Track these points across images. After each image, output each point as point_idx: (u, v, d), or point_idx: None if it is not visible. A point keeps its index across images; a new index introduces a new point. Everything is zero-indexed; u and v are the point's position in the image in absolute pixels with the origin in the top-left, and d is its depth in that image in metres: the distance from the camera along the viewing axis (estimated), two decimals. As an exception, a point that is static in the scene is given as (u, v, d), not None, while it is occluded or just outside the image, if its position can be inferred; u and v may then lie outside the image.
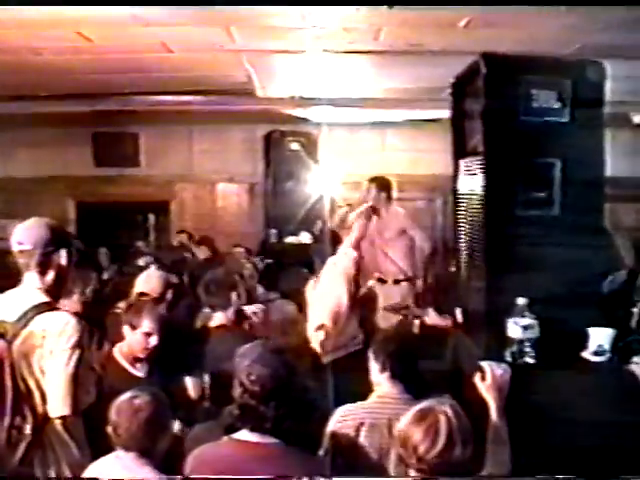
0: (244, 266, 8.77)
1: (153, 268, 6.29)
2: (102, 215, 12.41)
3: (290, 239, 11.19)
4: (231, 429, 3.87)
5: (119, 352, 5.25)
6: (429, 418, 3.62)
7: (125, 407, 3.96)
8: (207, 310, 6.17)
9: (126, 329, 5.21)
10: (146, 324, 5.15)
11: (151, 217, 13.59)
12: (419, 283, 9.04)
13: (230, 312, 6.02)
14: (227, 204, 12.60)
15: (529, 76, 4.61)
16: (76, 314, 4.25)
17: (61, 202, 12.35)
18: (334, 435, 4.39)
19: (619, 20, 5.70)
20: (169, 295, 5.94)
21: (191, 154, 12.52)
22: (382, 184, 9.23)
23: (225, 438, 3.86)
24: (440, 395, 4.30)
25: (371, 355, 4.66)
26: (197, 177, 12.61)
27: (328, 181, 10.97)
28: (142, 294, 5.91)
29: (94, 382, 4.36)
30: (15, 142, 12.00)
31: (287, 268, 8.84)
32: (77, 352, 4.05)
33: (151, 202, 12.89)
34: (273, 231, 11.34)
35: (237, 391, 3.79)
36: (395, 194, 10.12)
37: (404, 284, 9.07)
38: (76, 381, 4.04)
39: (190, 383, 5.42)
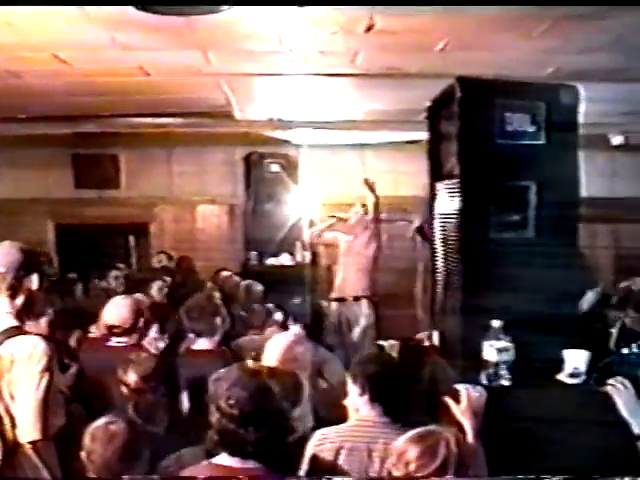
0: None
1: (119, 297, 6.19)
2: (82, 237, 12.37)
3: (271, 261, 11.18)
4: (211, 453, 3.87)
5: None
6: (429, 440, 3.65)
7: (100, 433, 3.94)
8: (191, 336, 6.15)
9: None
10: (132, 377, 5.12)
11: (131, 239, 13.56)
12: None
13: (216, 337, 6.00)
14: (207, 226, 12.59)
15: (503, 99, 4.63)
16: (44, 337, 4.24)
17: (41, 224, 12.31)
18: (313, 458, 4.38)
19: (594, 43, 5.74)
20: (141, 323, 5.87)
21: (171, 176, 12.51)
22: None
23: (204, 462, 3.84)
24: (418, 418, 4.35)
25: (349, 378, 4.66)
26: (177, 199, 12.60)
27: (308, 202, 10.98)
28: (112, 326, 5.85)
29: (62, 404, 4.34)
30: (-5, 164, 11.99)
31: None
32: (47, 376, 4.04)
33: (131, 224, 12.85)
34: (253, 253, 11.32)
35: (215, 416, 3.77)
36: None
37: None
38: (46, 405, 4.03)
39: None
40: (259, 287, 8.76)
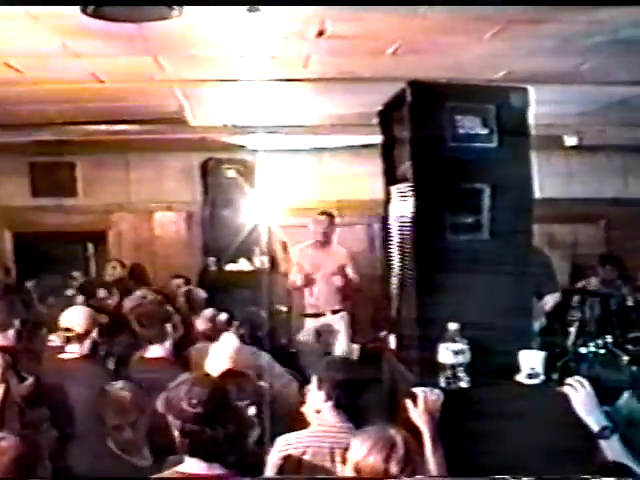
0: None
1: (80, 306, 6.18)
2: (39, 245, 12.28)
3: (229, 267, 11.13)
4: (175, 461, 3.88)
5: None
6: (384, 442, 3.66)
7: None
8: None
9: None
10: None
11: (90, 247, 13.48)
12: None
13: (168, 344, 5.97)
14: (165, 232, 12.54)
15: (454, 102, 4.64)
16: (2, 348, 4.22)
17: (-3, 233, 12.23)
18: (277, 464, 4.39)
19: (545, 45, 5.78)
20: (95, 333, 5.83)
21: (128, 183, 12.44)
22: (332, 218, 9.81)
23: (171, 471, 3.84)
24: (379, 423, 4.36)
25: (314, 383, 4.67)
26: (134, 206, 12.53)
27: (266, 208, 10.96)
28: (67, 329, 5.81)
29: (17, 414, 4.32)
30: (-50, 172, 11.88)
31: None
32: (2, 387, 4.01)
33: (89, 232, 12.77)
34: (212, 259, 11.26)
35: (177, 423, 3.76)
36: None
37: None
38: (2, 416, 4.00)
39: None
40: (202, 294, 8.73)
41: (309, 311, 9.73)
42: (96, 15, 4.69)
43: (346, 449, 4.05)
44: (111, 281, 11.05)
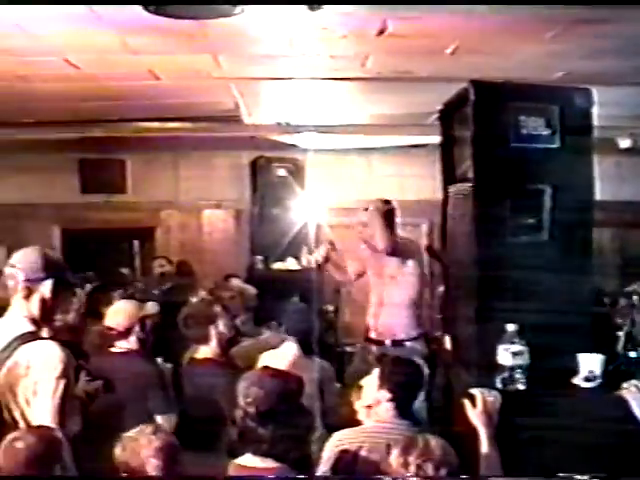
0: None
1: (123, 301, 6.20)
2: (87, 242, 12.37)
3: (277, 265, 11.13)
4: (234, 454, 3.90)
5: None
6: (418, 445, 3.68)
7: (5, 449, 3.79)
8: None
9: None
10: None
11: (136, 244, 13.55)
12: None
13: (214, 345, 5.98)
14: (213, 230, 12.58)
15: (517, 103, 4.64)
16: (61, 343, 4.23)
17: (46, 229, 12.28)
18: (331, 459, 4.39)
19: (604, 47, 5.73)
20: (137, 328, 5.86)
21: (177, 180, 12.50)
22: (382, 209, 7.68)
23: (229, 463, 3.87)
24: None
25: (377, 380, 4.66)
26: (183, 204, 12.59)
27: (315, 207, 10.95)
28: (110, 328, 5.86)
29: (79, 411, 4.33)
30: (1, 168, 11.96)
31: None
32: (63, 382, 4.03)
33: (137, 229, 12.83)
34: (259, 257, 11.28)
35: (238, 415, 3.82)
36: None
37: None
38: (62, 412, 4.01)
39: (162, 421, 5.41)
40: (252, 291, 8.68)
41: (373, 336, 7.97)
42: (158, 12, 4.70)
43: (403, 446, 4.06)
44: (157, 277, 11.16)
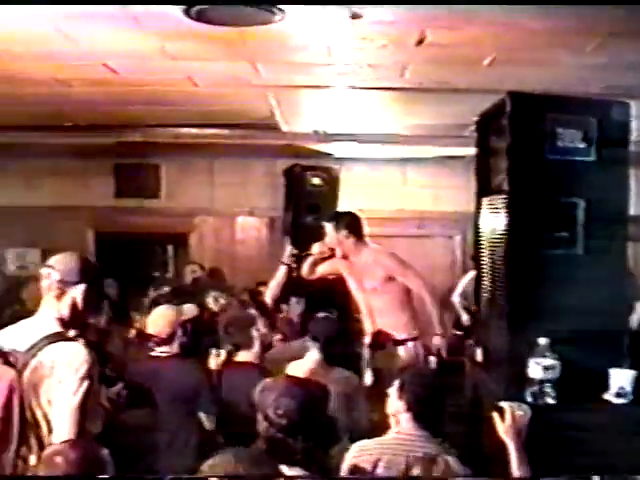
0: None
1: (163, 307, 6.23)
2: (121, 246, 12.42)
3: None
4: None
5: None
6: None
7: (46, 461, 3.81)
8: (229, 347, 6.17)
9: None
10: None
11: (170, 249, 13.62)
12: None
13: (256, 349, 6.01)
14: (246, 237, 12.59)
15: (555, 114, 4.62)
16: (86, 344, 4.26)
17: (81, 232, 12.35)
18: (351, 469, 4.38)
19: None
20: (179, 332, 5.89)
21: (212, 187, 12.53)
22: (346, 223, 7.65)
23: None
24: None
25: (395, 391, 4.66)
26: (217, 210, 12.61)
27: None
28: (152, 335, 5.93)
29: (102, 417, 4.35)
30: (37, 171, 12.06)
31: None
32: (86, 383, 4.05)
33: (170, 234, 12.88)
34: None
35: (262, 425, 3.79)
36: (415, 230, 10.14)
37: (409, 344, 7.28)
38: (83, 412, 4.03)
39: (205, 418, 5.46)
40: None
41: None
42: (199, 18, 4.73)
43: (422, 458, 4.07)
44: (189, 282, 11.21)
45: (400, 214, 11.85)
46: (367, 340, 7.34)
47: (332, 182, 11.25)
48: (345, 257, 7.69)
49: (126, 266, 11.90)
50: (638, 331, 7.51)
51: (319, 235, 8.13)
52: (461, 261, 11.69)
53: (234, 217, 12.67)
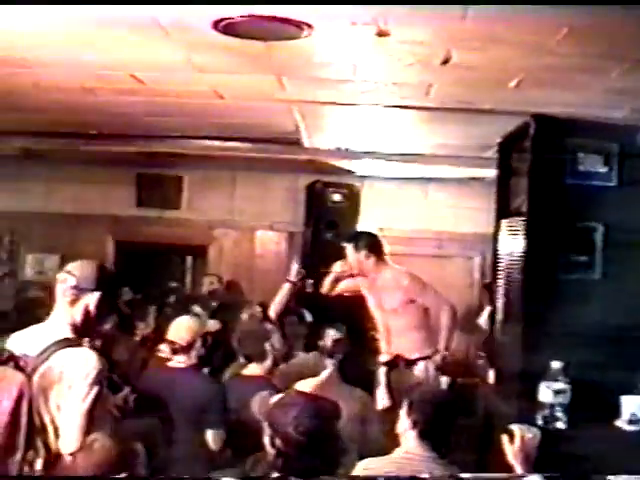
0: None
1: (185, 316, 6.25)
2: (140, 255, 12.48)
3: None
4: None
5: None
6: None
7: (85, 448, 3.91)
8: (242, 360, 6.19)
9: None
10: None
11: (189, 260, 13.66)
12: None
13: (267, 363, 6.03)
14: (265, 251, 12.59)
15: (577, 139, 4.65)
16: (96, 351, 4.28)
17: (100, 240, 12.40)
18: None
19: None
20: (199, 344, 5.92)
21: (232, 200, 12.55)
22: (366, 243, 7.72)
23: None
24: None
25: (404, 410, 4.66)
26: (237, 223, 12.63)
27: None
28: (172, 342, 5.94)
29: (110, 424, 4.37)
30: (59, 178, 12.12)
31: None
32: (95, 389, 4.07)
33: (189, 245, 12.92)
34: (310, 281, 11.29)
35: (276, 441, 3.77)
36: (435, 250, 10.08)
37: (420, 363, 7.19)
38: (91, 418, 4.05)
39: (212, 436, 5.48)
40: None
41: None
42: (227, 32, 4.76)
43: (429, 477, 4.07)
44: (206, 294, 11.25)
45: (420, 234, 11.84)
46: (383, 359, 7.38)
47: (353, 199, 11.30)
48: (365, 276, 7.71)
49: (144, 276, 11.96)
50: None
51: (338, 253, 8.17)
52: (479, 283, 11.66)
53: (254, 231, 12.68)
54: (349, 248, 7.72)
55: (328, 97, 6.58)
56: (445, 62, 5.22)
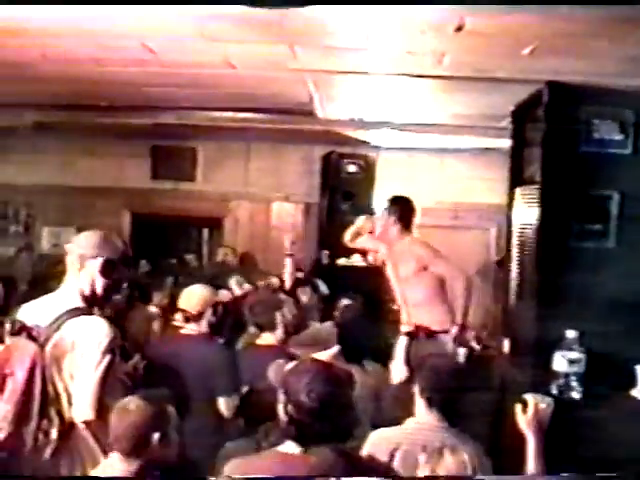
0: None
1: (198, 285, 6.26)
2: (156, 227, 12.50)
3: (342, 261, 11.14)
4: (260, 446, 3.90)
5: None
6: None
7: (119, 410, 4.01)
8: (253, 329, 6.20)
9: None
10: None
11: (205, 232, 13.68)
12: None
13: (279, 332, 6.04)
14: (281, 223, 12.58)
15: (591, 106, 4.60)
16: (108, 319, 4.29)
17: (116, 213, 12.46)
18: (368, 457, 4.37)
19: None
20: (209, 312, 5.92)
21: (247, 171, 12.56)
22: (398, 209, 7.71)
23: (270, 451, 3.85)
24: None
25: (416, 381, 4.66)
26: (252, 195, 12.64)
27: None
28: (183, 310, 5.99)
29: (121, 389, 4.38)
30: (74, 151, 12.14)
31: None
32: (107, 357, 4.08)
33: (205, 217, 12.95)
34: (325, 252, 11.30)
35: (289, 408, 3.77)
36: (451, 221, 10.03)
37: (441, 336, 7.19)
38: (104, 386, 4.07)
39: (224, 403, 5.49)
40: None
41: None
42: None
43: (440, 447, 4.06)
44: (219, 265, 11.29)
45: (436, 204, 11.81)
46: (404, 329, 7.30)
47: (368, 170, 11.30)
48: (386, 242, 7.74)
49: (160, 247, 12.01)
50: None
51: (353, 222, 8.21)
52: (496, 254, 11.62)
53: (269, 202, 12.68)
54: (382, 210, 7.78)
55: (341, 66, 6.51)
56: (459, 29, 5.16)
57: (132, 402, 3.99)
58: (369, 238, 8.17)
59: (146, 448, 3.94)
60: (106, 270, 4.31)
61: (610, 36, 5.13)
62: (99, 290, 4.33)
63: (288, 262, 8.48)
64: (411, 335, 7.21)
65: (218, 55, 6.40)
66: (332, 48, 5.93)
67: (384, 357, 6.63)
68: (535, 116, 4.82)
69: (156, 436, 3.96)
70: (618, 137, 4.57)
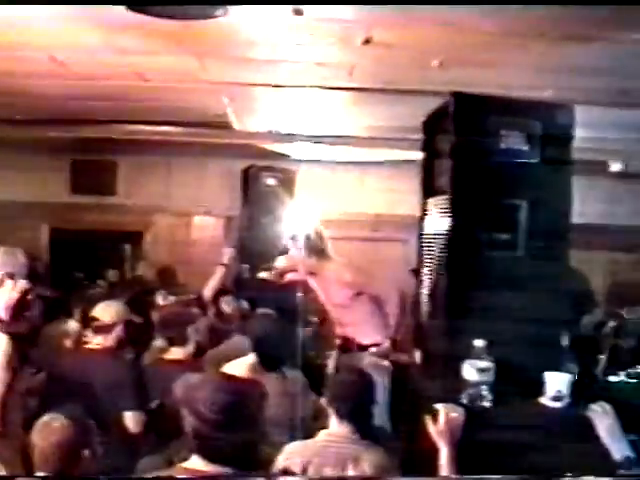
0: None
1: (115, 300, 6.20)
2: (77, 242, 12.35)
3: (262, 275, 11.08)
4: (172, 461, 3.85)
5: None
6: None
7: (42, 429, 3.94)
8: (161, 343, 6.15)
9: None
10: None
11: (126, 247, 13.56)
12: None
13: (190, 348, 5.99)
14: (202, 237, 12.53)
15: (498, 116, 4.60)
16: (10, 335, 4.20)
17: (36, 228, 12.29)
18: (283, 471, 4.35)
19: (595, 66, 5.70)
20: (119, 328, 5.86)
21: (168, 185, 12.48)
22: (307, 243, 7.67)
23: (177, 467, 3.79)
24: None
25: (325, 394, 4.68)
26: (173, 209, 12.56)
27: (304, 218, 10.93)
28: (93, 318, 5.91)
29: (20, 407, 4.33)
30: (-9, 165, 11.97)
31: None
32: (6, 374, 4.02)
33: (126, 232, 12.83)
34: (246, 266, 11.25)
35: (190, 421, 3.71)
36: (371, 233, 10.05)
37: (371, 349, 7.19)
38: (4, 402, 4.01)
39: (130, 418, 5.42)
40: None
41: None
42: (139, 10, 4.66)
43: (354, 459, 4.05)
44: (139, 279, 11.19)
45: (356, 217, 11.83)
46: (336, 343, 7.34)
47: (288, 183, 11.28)
48: (310, 273, 7.58)
49: (81, 262, 11.87)
50: (591, 336, 7.50)
51: (275, 237, 8.19)
52: (417, 265, 11.64)
53: (190, 216, 12.62)
54: (290, 248, 7.74)
55: (252, 78, 6.51)
56: (367, 42, 5.18)
57: (54, 420, 3.94)
58: (295, 274, 7.92)
59: (77, 466, 3.90)
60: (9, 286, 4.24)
61: (516, 49, 5.19)
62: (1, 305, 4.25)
63: (220, 271, 8.32)
64: (342, 348, 7.26)
65: (129, 67, 6.35)
66: (241, 59, 5.93)
67: (306, 365, 6.60)
68: (444, 127, 4.82)
69: (86, 452, 3.93)
70: (525, 147, 4.59)
